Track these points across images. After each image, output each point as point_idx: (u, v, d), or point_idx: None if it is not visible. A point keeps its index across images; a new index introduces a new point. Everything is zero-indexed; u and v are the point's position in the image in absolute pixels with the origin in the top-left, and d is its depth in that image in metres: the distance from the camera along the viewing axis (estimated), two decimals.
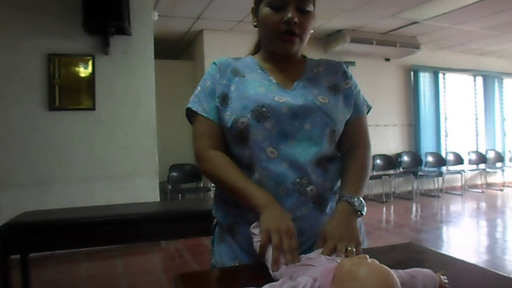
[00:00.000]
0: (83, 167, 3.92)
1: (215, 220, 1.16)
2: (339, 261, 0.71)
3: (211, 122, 1.08)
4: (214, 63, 1.16)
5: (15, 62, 3.75)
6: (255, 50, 1.23)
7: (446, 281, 0.75)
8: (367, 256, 0.63)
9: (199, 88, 1.13)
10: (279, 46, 1.09)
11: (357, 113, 1.15)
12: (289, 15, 1.03)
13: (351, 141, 1.14)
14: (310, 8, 1.08)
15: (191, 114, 1.12)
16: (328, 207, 1.04)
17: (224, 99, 1.07)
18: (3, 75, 3.71)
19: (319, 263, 0.74)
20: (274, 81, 1.10)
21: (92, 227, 2.32)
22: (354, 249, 0.89)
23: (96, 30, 3.84)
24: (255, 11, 1.14)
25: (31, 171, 3.76)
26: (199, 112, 1.09)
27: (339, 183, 1.10)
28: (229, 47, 5.71)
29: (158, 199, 4.23)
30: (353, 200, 1.01)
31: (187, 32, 5.88)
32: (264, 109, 1.01)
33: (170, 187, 5.35)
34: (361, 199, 1.02)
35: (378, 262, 0.61)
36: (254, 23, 1.15)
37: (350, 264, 0.62)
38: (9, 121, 3.72)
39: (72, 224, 2.32)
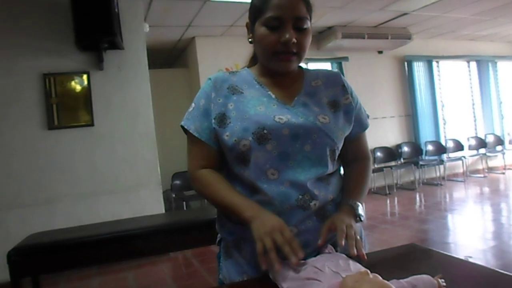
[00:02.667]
0: (86, 183, 3.95)
1: (219, 235, 1.17)
2: (344, 276, 0.73)
3: (203, 143, 1.08)
4: (210, 78, 1.13)
5: (11, 84, 3.77)
6: (251, 63, 1.21)
7: (444, 284, 0.78)
8: (369, 272, 0.65)
9: (193, 105, 1.12)
10: (276, 65, 1.08)
11: (360, 129, 1.17)
12: (287, 36, 1.01)
13: (352, 155, 1.18)
14: (307, 25, 1.06)
15: (185, 131, 1.12)
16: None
17: (222, 119, 1.06)
18: (0, 98, 3.74)
19: (325, 278, 0.77)
20: (273, 96, 1.09)
21: (100, 244, 2.35)
22: (353, 233, 0.93)
23: (89, 47, 3.86)
24: (250, 27, 1.12)
25: (35, 191, 3.79)
26: (191, 131, 1.08)
27: (339, 192, 1.11)
28: (222, 51, 5.76)
29: (163, 210, 4.25)
30: (355, 205, 1.05)
31: (179, 40, 5.90)
32: (265, 131, 1.00)
33: (174, 195, 5.38)
34: (363, 206, 1.07)
35: (380, 278, 0.64)
36: (250, 39, 1.13)
37: (353, 281, 0.64)
38: (11, 143, 3.75)
39: (81, 243, 2.35)
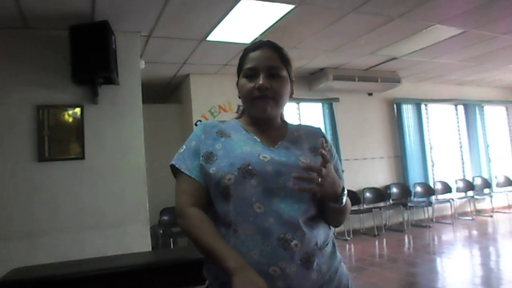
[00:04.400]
0: (73, 217, 3.88)
1: (207, 282, 1.17)
2: None
3: (193, 180, 1.14)
4: (201, 124, 1.25)
5: (4, 114, 3.76)
6: (240, 117, 1.33)
7: None
8: None
9: (184, 147, 1.20)
10: (255, 109, 1.20)
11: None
12: (260, 82, 1.16)
13: None
14: (282, 74, 1.19)
15: (175, 171, 1.18)
16: (315, 263, 1.06)
17: (209, 156, 1.14)
18: None
19: None
20: (259, 140, 1.19)
21: (84, 283, 2.30)
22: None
23: (85, 81, 3.89)
24: (237, 83, 1.27)
25: (21, 224, 3.71)
26: (182, 169, 1.15)
27: (323, 239, 1.13)
28: (215, 89, 5.86)
29: (150, 247, 4.19)
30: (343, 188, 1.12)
31: (174, 77, 6.00)
32: (250, 167, 1.08)
33: (161, 231, 5.31)
34: (346, 197, 1.14)
35: None
36: (239, 95, 1.26)
37: None
38: None
39: (64, 280, 2.30)
